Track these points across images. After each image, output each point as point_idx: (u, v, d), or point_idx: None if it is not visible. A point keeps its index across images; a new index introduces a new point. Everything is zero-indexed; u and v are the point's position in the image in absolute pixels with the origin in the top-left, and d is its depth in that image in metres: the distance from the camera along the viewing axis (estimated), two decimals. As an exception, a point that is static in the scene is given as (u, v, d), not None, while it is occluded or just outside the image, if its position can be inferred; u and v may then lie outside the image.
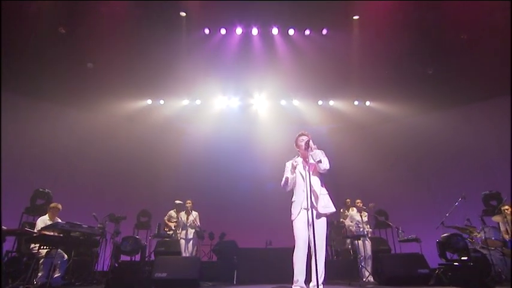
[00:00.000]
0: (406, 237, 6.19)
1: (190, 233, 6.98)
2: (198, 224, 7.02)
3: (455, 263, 5.00)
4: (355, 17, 7.50)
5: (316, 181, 3.61)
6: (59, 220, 5.15)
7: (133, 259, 5.87)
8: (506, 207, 5.80)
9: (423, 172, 9.38)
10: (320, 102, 10.06)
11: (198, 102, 10.02)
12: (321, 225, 3.49)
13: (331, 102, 10.05)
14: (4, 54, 6.85)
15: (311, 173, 3.49)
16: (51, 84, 8.07)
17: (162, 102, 9.88)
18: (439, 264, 5.27)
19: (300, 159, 3.78)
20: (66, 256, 5.04)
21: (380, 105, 9.85)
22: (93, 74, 8.14)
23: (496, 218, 5.90)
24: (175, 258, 5.59)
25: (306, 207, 3.42)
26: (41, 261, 4.83)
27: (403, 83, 8.68)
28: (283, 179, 3.69)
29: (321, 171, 3.62)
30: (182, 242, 6.89)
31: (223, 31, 7.89)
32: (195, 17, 7.45)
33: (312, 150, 3.52)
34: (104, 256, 6.52)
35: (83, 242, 5.25)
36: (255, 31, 7.90)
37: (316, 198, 3.53)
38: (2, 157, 7.37)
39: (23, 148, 8.08)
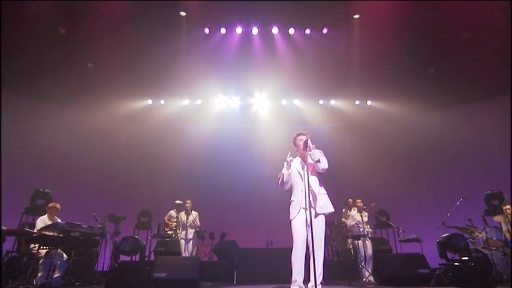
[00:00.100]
0: (406, 237, 6.16)
1: (190, 233, 6.97)
2: (198, 224, 7.01)
3: (455, 263, 4.97)
4: (356, 16, 7.49)
5: (314, 181, 3.60)
6: (58, 220, 5.15)
7: (133, 259, 5.87)
8: (508, 206, 5.76)
9: (424, 172, 9.35)
10: (321, 102, 10.04)
11: (198, 102, 10.02)
12: (320, 224, 3.47)
13: (332, 102, 10.03)
14: (4, 54, 6.87)
15: (309, 172, 3.48)
16: (52, 84, 8.07)
17: (162, 102, 9.88)
18: (440, 265, 5.24)
19: (298, 158, 3.77)
20: (65, 256, 5.04)
21: (381, 105, 9.83)
22: (94, 74, 8.15)
23: (498, 218, 5.85)
24: (175, 258, 5.57)
25: (304, 206, 3.41)
26: (40, 262, 4.82)
27: (403, 83, 8.66)
28: (279, 176, 3.68)
29: (319, 171, 3.61)
30: (182, 242, 6.88)
31: (223, 31, 7.89)
32: (195, 16, 7.45)
33: (310, 150, 3.51)
34: (104, 256, 6.51)
35: (82, 242, 5.24)
36: (255, 30, 7.90)
37: (315, 198, 3.51)
38: (2, 157, 7.39)
39: (23, 148, 8.08)
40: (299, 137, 3.74)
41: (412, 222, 7.79)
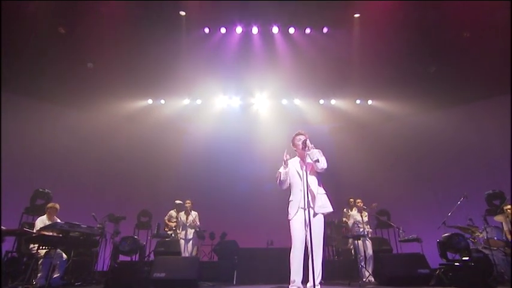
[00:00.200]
0: (407, 237, 6.14)
1: (190, 233, 6.96)
2: (198, 224, 7.00)
3: (456, 263, 4.95)
4: (356, 16, 7.46)
5: (313, 180, 3.57)
6: (58, 220, 5.15)
7: (133, 259, 5.86)
8: (509, 206, 5.72)
9: (425, 171, 9.31)
10: (321, 101, 10.02)
11: (198, 101, 10.01)
12: (318, 224, 3.45)
13: (333, 101, 10.01)
14: (4, 54, 6.87)
15: (308, 172, 3.46)
16: (51, 84, 8.09)
17: (162, 102, 9.88)
18: (440, 265, 5.22)
19: (296, 158, 3.75)
20: (65, 256, 5.04)
21: (381, 104, 9.80)
22: (93, 74, 8.15)
23: (499, 218, 5.82)
24: (174, 259, 5.56)
25: (303, 206, 3.40)
26: (40, 262, 4.82)
27: (404, 82, 8.63)
28: (277, 175, 3.66)
29: (318, 171, 3.59)
30: (182, 242, 6.86)
31: (223, 30, 7.88)
32: (195, 16, 7.44)
33: (309, 150, 3.49)
34: (104, 256, 6.50)
35: (82, 242, 5.21)
36: (255, 30, 7.88)
37: (313, 197, 3.49)
38: (2, 157, 7.40)
39: (23, 148, 8.08)
40: (298, 137, 3.71)
41: (413, 222, 7.77)
